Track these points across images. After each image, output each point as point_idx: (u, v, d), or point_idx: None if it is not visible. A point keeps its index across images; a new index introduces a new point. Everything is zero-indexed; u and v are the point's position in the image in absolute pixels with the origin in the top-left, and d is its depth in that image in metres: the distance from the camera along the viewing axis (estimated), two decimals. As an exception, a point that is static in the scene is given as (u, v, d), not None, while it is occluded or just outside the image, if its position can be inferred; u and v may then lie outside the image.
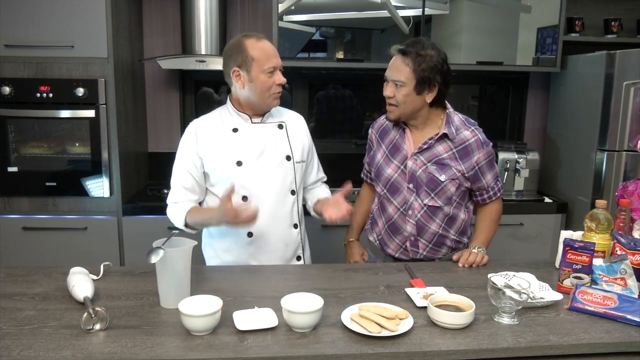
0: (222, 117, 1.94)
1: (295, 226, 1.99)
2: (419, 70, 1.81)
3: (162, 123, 3.37)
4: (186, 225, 1.89)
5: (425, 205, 1.92)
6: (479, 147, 1.91)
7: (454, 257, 1.88)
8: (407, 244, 1.97)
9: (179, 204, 1.92)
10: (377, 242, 2.06)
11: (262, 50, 1.81)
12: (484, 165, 1.93)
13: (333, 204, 1.85)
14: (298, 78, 3.41)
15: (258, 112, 1.92)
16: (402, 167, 1.93)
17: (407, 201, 1.93)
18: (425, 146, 1.90)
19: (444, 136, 1.90)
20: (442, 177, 1.89)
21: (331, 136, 3.52)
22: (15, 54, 2.67)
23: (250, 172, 1.88)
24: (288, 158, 1.94)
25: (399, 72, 1.83)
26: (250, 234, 1.90)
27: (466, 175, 1.91)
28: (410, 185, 1.92)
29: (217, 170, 1.89)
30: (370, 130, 2.11)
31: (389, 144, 1.99)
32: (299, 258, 2.03)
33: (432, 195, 1.91)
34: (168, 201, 1.96)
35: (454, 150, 1.90)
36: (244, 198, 1.88)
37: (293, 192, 1.97)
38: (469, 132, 1.92)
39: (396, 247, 2.00)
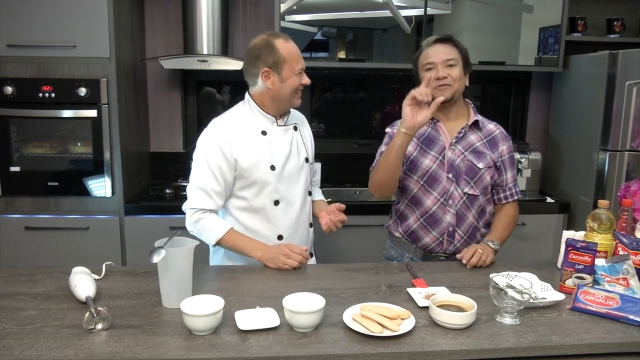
0: (246, 117, 1.90)
1: (311, 225, 2.03)
2: (464, 51, 1.95)
3: (164, 123, 3.37)
4: (217, 243, 1.85)
5: (465, 194, 1.95)
6: (504, 140, 2.03)
7: (458, 256, 1.88)
8: (445, 235, 1.97)
9: (207, 213, 1.85)
10: (406, 236, 2.03)
11: (292, 52, 1.83)
12: (507, 160, 2.03)
13: (330, 212, 1.94)
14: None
15: (280, 111, 1.92)
16: (440, 157, 1.96)
17: (447, 191, 1.95)
18: (461, 135, 1.97)
19: (474, 126, 1.99)
20: (480, 165, 1.95)
21: (332, 136, 3.52)
22: (18, 53, 2.68)
23: (281, 176, 1.89)
24: (307, 160, 1.98)
25: (448, 53, 1.93)
26: (280, 237, 1.92)
27: (497, 164, 1.99)
28: (450, 175, 1.94)
29: (253, 173, 1.85)
30: (389, 129, 2.06)
31: (420, 137, 1.99)
32: (311, 255, 2.07)
33: (472, 183, 1.95)
34: (192, 207, 1.85)
35: (484, 140, 1.99)
36: (276, 202, 1.89)
37: (310, 193, 2.02)
38: (492, 125, 2.05)
39: (432, 240, 1.98)
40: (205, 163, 1.84)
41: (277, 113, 1.92)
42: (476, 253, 1.84)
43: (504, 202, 2.05)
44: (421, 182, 1.97)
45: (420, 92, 1.76)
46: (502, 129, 2.06)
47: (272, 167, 1.87)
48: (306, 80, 1.87)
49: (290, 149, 1.92)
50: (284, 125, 1.93)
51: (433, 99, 1.81)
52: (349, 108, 3.52)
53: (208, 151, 1.84)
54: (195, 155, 1.88)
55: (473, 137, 1.99)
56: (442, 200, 1.96)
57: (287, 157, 1.90)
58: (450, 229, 1.97)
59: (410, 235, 2.03)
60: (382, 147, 2.04)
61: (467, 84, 1.97)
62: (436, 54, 1.93)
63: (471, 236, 1.99)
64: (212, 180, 1.83)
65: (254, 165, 1.85)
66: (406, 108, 1.77)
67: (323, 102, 3.51)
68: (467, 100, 2.05)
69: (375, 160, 2.02)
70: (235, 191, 1.90)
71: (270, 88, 1.84)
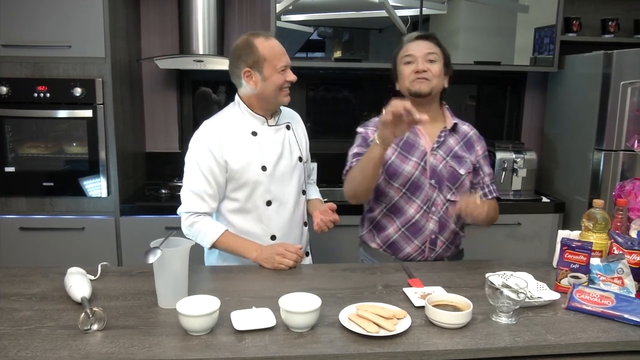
0: (236, 118, 1.90)
1: (305, 224, 2.02)
2: (445, 51, 1.91)
3: (159, 123, 3.36)
4: (212, 246, 1.85)
5: (447, 200, 1.91)
6: (478, 140, 2.00)
7: (453, 209, 1.78)
8: (427, 243, 1.93)
9: (201, 216, 1.85)
10: (385, 247, 1.97)
11: (272, 49, 1.81)
12: (482, 159, 1.99)
13: (323, 212, 1.92)
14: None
15: (269, 111, 1.91)
16: (422, 163, 1.90)
17: (430, 198, 1.90)
18: (442, 139, 1.92)
19: (451, 129, 1.94)
20: (462, 171, 1.92)
21: (328, 136, 3.52)
22: (13, 53, 2.67)
23: (273, 177, 1.88)
24: (300, 159, 1.97)
25: (430, 48, 1.89)
26: (273, 237, 1.91)
27: (475, 166, 1.95)
28: (432, 181, 1.90)
29: (244, 175, 1.85)
30: (362, 129, 1.98)
31: (399, 141, 1.91)
32: (307, 254, 2.06)
33: (453, 189, 1.92)
34: (186, 211, 1.86)
35: (461, 142, 1.95)
36: (268, 202, 1.89)
37: (304, 192, 2.00)
38: (466, 126, 2.01)
39: (414, 249, 1.93)
40: (197, 166, 1.84)
41: (267, 113, 1.91)
42: (473, 202, 1.74)
43: (483, 199, 1.97)
44: (403, 190, 1.91)
45: (386, 117, 1.60)
46: (475, 129, 2.02)
47: (264, 168, 1.86)
48: (291, 77, 1.85)
49: (282, 148, 1.91)
50: (275, 125, 1.93)
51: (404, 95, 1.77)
52: (344, 108, 3.52)
53: (199, 154, 1.84)
54: (187, 158, 1.88)
55: (452, 141, 1.94)
56: (425, 207, 1.91)
57: (279, 157, 1.90)
58: (433, 236, 1.92)
59: (390, 246, 1.96)
60: (355, 149, 1.96)
61: (446, 85, 1.92)
62: (417, 48, 1.88)
63: (452, 241, 1.97)
64: (204, 183, 1.84)
65: (244, 167, 1.85)
66: (385, 131, 1.63)
67: (319, 101, 3.50)
68: (443, 102, 2.00)
69: (348, 164, 1.94)
70: (227, 193, 1.89)
71: (253, 88, 1.83)
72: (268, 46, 1.81)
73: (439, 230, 1.93)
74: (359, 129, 2.00)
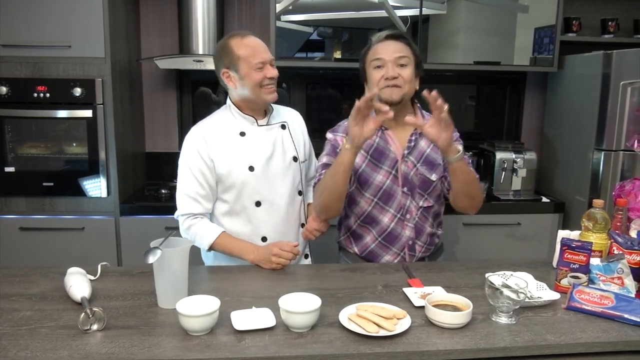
0: (226, 120, 1.90)
1: (303, 225, 2.00)
2: (416, 52, 1.84)
3: (159, 123, 3.36)
4: (210, 248, 1.85)
5: (421, 207, 1.89)
6: None
7: (424, 93, 1.60)
8: (405, 249, 1.92)
9: (198, 218, 1.86)
10: (363, 256, 1.96)
11: (247, 47, 1.80)
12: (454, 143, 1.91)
13: (315, 218, 1.93)
14: (296, 78, 3.41)
15: (257, 110, 1.90)
16: (393, 171, 1.87)
17: (404, 205, 1.88)
18: (412, 144, 1.87)
19: None
20: (433, 177, 1.87)
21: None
22: (12, 53, 2.66)
23: (262, 177, 1.86)
24: (295, 159, 1.95)
25: (400, 50, 1.80)
26: (264, 239, 1.90)
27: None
28: (405, 189, 1.87)
29: (231, 176, 1.85)
30: (331, 135, 1.93)
31: (369, 148, 1.87)
32: (306, 256, 2.05)
33: (426, 196, 1.89)
34: (182, 214, 1.87)
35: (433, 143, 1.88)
36: (258, 203, 1.88)
37: (300, 193, 1.99)
38: None
39: (393, 256, 1.92)
40: (188, 169, 1.85)
41: (256, 113, 1.90)
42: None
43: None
44: (375, 200, 1.88)
45: (359, 105, 1.60)
46: None
47: (251, 168, 1.85)
48: (271, 72, 1.82)
49: (273, 148, 1.90)
50: (266, 125, 1.92)
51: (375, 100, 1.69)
52: (342, 108, 3.52)
53: (188, 157, 1.86)
54: (179, 162, 1.89)
55: (423, 143, 1.88)
56: (399, 215, 1.88)
57: (270, 157, 1.88)
58: (410, 242, 1.91)
59: (368, 255, 1.94)
60: (324, 158, 1.90)
61: (417, 87, 1.84)
62: (387, 50, 1.80)
63: (430, 242, 1.95)
64: (196, 185, 1.84)
65: (230, 168, 1.84)
66: (354, 129, 1.63)
67: (318, 101, 3.51)
68: (415, 101, 1.93)
69: (317, 175, 1.89)
70: (218, 194, 1.89)
71: (234, 88, 1.84)
72: (243, 45, 1.80)
73: (416, 236, 1.91)
74: (328, 135, 1.95)
